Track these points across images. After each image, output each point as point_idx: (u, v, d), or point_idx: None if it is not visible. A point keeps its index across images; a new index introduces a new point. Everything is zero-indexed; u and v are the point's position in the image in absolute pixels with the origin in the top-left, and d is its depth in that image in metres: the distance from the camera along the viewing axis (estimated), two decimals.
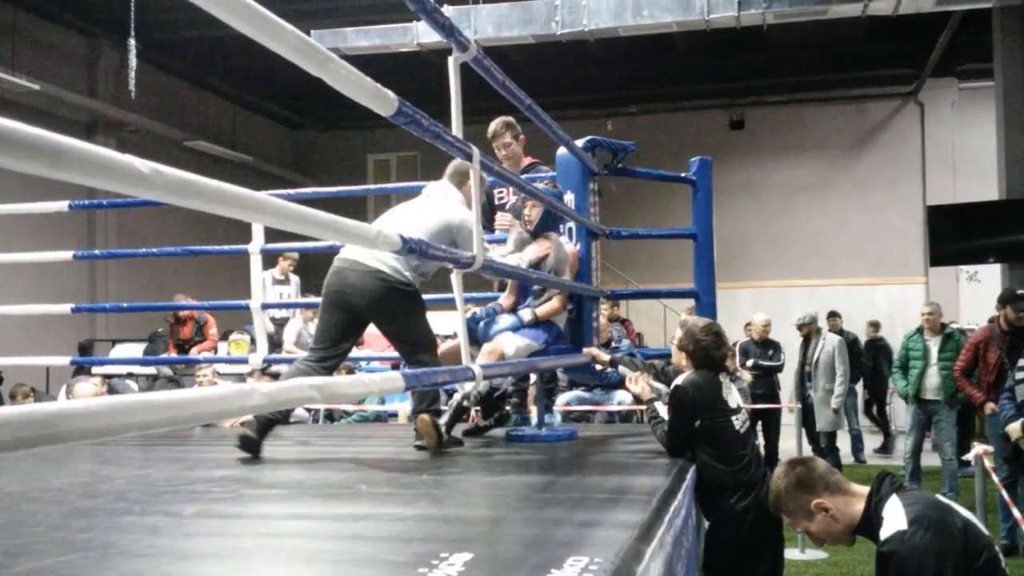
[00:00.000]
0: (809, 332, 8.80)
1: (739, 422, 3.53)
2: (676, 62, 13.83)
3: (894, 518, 2.46)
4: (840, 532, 2.68)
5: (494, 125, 4.88)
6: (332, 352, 3.84)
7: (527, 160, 5.05)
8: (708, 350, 3.60)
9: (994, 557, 2.43)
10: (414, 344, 3.78)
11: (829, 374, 8.47)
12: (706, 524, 3.54)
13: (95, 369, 8.95)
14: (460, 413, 3.91)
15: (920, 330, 7.76)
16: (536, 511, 2.42)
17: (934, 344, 7.58)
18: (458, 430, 4.11)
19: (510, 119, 4.87)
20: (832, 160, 15.33)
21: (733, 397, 3.58)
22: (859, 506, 2.62)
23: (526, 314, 4.11)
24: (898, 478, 2.69)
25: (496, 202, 5.03)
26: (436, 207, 3.83)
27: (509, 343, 3.97)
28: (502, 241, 4.71)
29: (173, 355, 9.39)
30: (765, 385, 8.76)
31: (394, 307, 3.71)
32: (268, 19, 1.55)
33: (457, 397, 3.87)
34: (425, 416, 3.71)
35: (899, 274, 14.68)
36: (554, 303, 4.18)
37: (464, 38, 2.58)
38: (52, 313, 6.05)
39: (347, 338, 3.86)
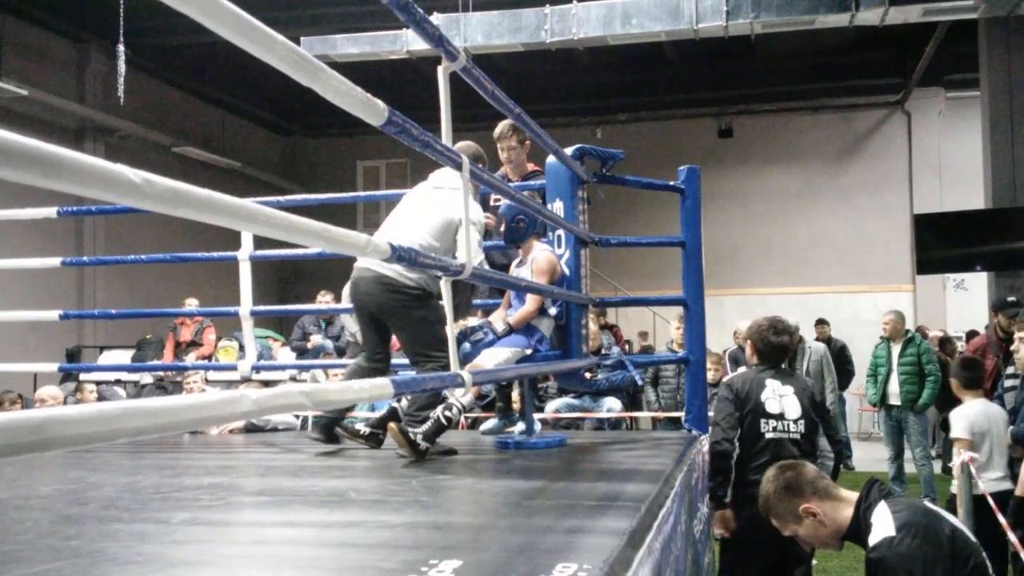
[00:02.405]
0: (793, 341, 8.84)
1: (769, 426, 3.84)
2: (665, 71, 13.90)
3: (882, 524, 2.48)
4: (828, 537, 2.70)
5: (500, 127, 4.87)
6: (372, 355, 4.08)
7: (530, 167, 5.05)
8: (762, 332, 4.08)
9: (981, 563, 2.45)
10: (417, 352, 3.86)
11: (817, 383, 8.50)
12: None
13: (82, 376, 8.91)
14: (447, 422, 3.88)
15: (886, 337, 7.83)
16: (525, 518, 2.43)
17: (896, 350, 7.64)
18: (454, 437, 4.12)
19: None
20: (820, 168, 15.41)
21: (778, 402, 3.88)
22: (847, 512, 2.64)
23: (499, 325, 4.10)
24: (886, 484, 2.72)
25: (492, 203, 5.04)
26: (441, 203, 3.87)
27: (489, 359, 3.96)
28: (501, 247, 4.72)
29: (168, 359, 9.39)
30: None
31: (400, 312, 3.83)
32: (258, 29, 1.55)
33: (439, 409, 3.83)
34: (393, 425, 3.71)
35: (886, 282, 14.76)
36: (526, 309, 4.17)
37: (453, 48, 2.59)
38: (40, 319, 6.02)
39: (379, 342, 4.07)
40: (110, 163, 1.13)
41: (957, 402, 5.23)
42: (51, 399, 6.62)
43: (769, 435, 3.81)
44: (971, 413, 5.07)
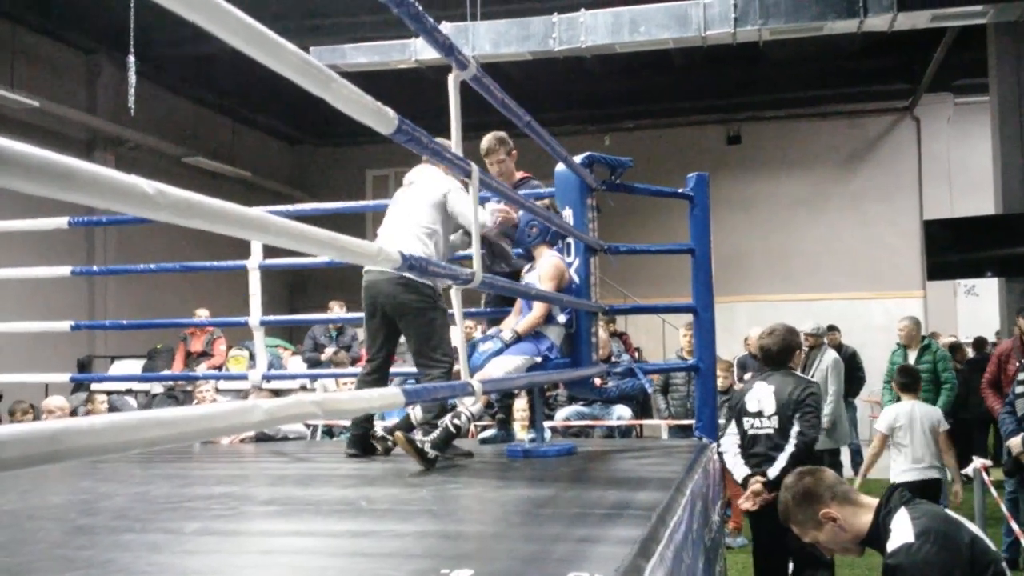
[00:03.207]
0: (814, 345, 8.78)
1: (749, 423, 4.43)
2: (673, 78, 13.90)
3: (901, 531, 2.47)
4: (848, 542, 2.69)
5: (487, 141, 4.85)
6: (374, 358, 4.18)
7: (519, 175, 5.04)
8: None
9: (1001, 572, 2.43)
10: (423, 355, 3.96)
11: (822, 387, 8.45)
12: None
13: (94, 386, 8.93)
14: (456, 430, 3.86)
15: (903, 344, 7.78)
16: (536, 527, 2.42)
17: (912, 356, 7.59)
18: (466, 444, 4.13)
19: (503, 134, 4.86)
20: (829, 175, 15.37)
21: (758, 402, 4.42)
22: (867, 517, 2.63)
23: (506, 334, 4.08)
24: (906, 491, 2.71)
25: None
26: (421, 193, 4.05)
27: (498, 368, 3.94)
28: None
29: (179, 369, 9.42)
30: None
31: (414, 311, 3.95)
32: (269, 39, 1.56)
33: (447, 418, 3.82)
34: (399, 434, 3.72)
35: (896, 288, 14.70)
36: (533, 316, 4.15)
37: (464, 57, 2.60)
38: (51, 331, 6.03)
39: (383, 343, 4.17)
40: (124, 174, 1.13)
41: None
42: (58, 410, 6.64)
43: (750, 431, 4.44)
44: (893, 411, 5.80)
